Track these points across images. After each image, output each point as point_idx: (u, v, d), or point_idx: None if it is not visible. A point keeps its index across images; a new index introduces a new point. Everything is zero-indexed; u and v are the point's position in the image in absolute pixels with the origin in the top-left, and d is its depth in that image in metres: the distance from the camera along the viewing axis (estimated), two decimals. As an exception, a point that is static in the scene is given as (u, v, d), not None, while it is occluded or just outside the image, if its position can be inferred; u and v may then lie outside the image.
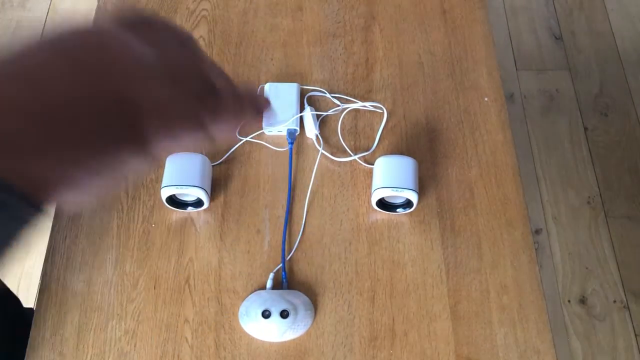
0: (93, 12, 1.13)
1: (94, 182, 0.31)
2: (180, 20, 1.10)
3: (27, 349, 0.81)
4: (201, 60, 0.38)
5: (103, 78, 0.31)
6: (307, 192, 0.92)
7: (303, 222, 0.90)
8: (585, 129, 1.91)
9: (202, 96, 0.35)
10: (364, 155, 0.95)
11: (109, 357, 0.80)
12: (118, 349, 0.81)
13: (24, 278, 1.67)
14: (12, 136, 0.28)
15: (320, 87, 1.02)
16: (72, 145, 0.30)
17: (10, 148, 0.28)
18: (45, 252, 0.88)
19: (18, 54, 0.31)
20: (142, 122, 0.32)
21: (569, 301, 1.63)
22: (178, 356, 0.80)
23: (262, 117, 0.42)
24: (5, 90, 0.29)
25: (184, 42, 0.37)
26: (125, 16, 0.37)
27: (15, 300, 1.03)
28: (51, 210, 0.33)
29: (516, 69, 2.03)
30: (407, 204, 0.89)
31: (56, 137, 0.29)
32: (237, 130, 0.39)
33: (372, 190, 0.88)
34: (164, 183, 0.87)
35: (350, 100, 1.01)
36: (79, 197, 0.32)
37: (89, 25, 0.34)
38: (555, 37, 2.11)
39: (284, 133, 0.96)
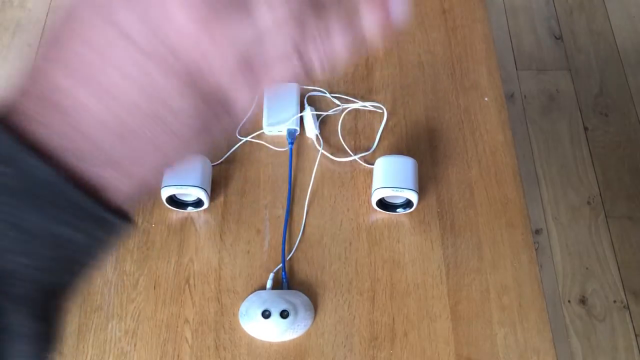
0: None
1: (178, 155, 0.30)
2: (180, 20, 1.10)
3: (27, 349, 0.80)
4: None
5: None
6: (307, 192, 0.92)
7: (303, 222, 0.90)
8: (585, 129, 1.91)
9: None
10: (364, 155, 0.95)
11: (109, 357, 0.80)
12: (118, 349, 0.81)
13: (24, 278, 1.67)
14: (112, 151, 0.27)
15: (320, 87, 1.02)
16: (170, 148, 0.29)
17: (114, 162, 0.28)
18: (45, 252, 0.88)
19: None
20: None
21: (569, 301, 1.62)
22: (178, 356, 0.80)
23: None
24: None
25: None
26: None
27: None
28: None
29: (516, 69, 2.03)
30: (407, 204, 0.89)
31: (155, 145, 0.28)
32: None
33: (372, 190, 0.88)
34: (164, 183, 0.87)
35: (350, 100, 1.01)
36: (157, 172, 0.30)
37: None
38: (555, 37, 2.11)
39: (284, 133, 0.96)
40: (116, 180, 0.28)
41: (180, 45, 0.26)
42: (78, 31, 0.26)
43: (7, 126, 0.26)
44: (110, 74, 0.26)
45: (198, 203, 0.89)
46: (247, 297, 0.84)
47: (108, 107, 0.26)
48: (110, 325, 0.82)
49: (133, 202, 0.30)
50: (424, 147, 0.96)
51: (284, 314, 0.80)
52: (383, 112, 0.99)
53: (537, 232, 1.73)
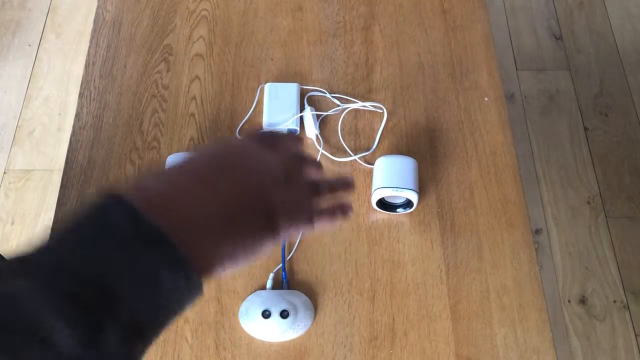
0: (93, 13, 1.13)
1: (243, 257, 0.42)
2: (180, 20, 1.10)
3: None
4: (307, 163, 0.52)
5: (251, 182, 0.43)
6: (307, 192, 0.92)
7: (303, 222, 0.89)
8: (585, 129, 1.91)
9: (311, 196, 0.49)
10: (364, 155, 0.95)
11: (109, 357, 0.80)
12: (118, 349, 0.81)
13: (24, 278, 1.67)
14: (198, 226, 0.39)
15: (320, 87, 1.02)
16: (235, 232, 0.41)
17: (198, 234, 0.39)
18: (45, 252, 0.88)
19: (193, 162, 0.43)
20: (275, 216, 0.44)
21: (569, 301, 1.62)
22: (178, 356, 0.80)
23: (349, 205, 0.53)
24: (189, 191, 0.41)
25: (296, 151, 0.52)
26: (257, 133, 0.51)
27: None
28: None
29: (516, 69, 2.03)
30: (407, 204, 0.89)
31: (226, 226, 0.41)
32: (335, 219, 0.51)
33: (372, 190, 0.88)
34: (164, 183, 0.87)
35: (350, 100, 1.01)
36: (230, 268, 0.42)
37: (236, 140, 0.47)
38: (555, 37, 2.11)
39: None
40: (201, 247, 0.40)
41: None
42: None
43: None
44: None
45: (198, 203, 0.89)
46: (247, 297, 0.84)
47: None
48: (110, 325, 0.82)
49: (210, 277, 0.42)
50: (424, 147, 0.96)
51: (284, 314, 0.80)
52: (383, 112, 0.99)
53: (537, 232, 1.73)
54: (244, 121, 0.99)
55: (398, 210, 0.90)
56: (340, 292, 0.85)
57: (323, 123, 0.99)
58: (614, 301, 1.63)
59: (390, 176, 0.88)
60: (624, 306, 1.62)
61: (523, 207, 0.91)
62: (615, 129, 1.92)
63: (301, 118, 0.97)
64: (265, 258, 0.87)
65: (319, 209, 0.49)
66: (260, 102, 1.00)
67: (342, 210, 0.51)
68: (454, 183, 0.93)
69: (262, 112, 0.98)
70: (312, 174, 0.52)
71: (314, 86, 1.02)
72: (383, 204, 0.89)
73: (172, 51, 1.07)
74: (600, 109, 1.96)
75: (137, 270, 0.35)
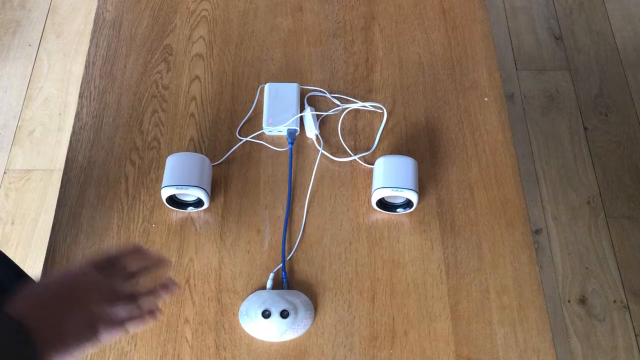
0: (93, 13, 1.13)
1: (75, 350, 0.59)
2: (181, 20, 1.10)
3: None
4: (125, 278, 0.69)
5: (80, 299, 0.61)
6: (307, 192, 0.92)
7: (303, 222, 0.90)
8: (585, 129, 1.91)
9: (126, 307, 0.65)
10: (364, 155, 0.95)
11: (109, 357, 0.80)
12: (118, 349, 0.81)
13: (24, 278, 1.67)
14: (43, 327, 0.58)
15: (320, 87, 1.02)
16: (68, 331, 0.59)
17: (42, 331, 0.57)
18: (45, 251, 0.88)
19: (46, 284, 0.65)
20: (95, 325, 0.61)
21: (569, 301, 1.62)
22: (178, 356, 0.80)
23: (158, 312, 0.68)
24: (43, 304, 0.60)
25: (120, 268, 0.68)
26: (94, 259, 0.66)
27: None
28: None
29: (516, 69, 2.03)
30: (407, 204, 0.89)
31: (61, 329, 0.59)
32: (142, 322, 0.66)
33: (372, 190, 0.88)
34: (164, 183, 0.87)
35: (350, 100, 1.01)
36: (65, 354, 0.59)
37: (76, 269, 0.65)
38: (555, 37, 2.11)
39: (284, 133, 0.96)
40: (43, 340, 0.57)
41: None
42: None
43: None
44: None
45: (198, 203, 0.89)
46: (247, 297, 0.84)
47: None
48: (110, 325, 0.82)
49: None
50: (424, 147, 0.96)
51: (284, 314, 0.80)
52: (383, 112, 0.99)
53: (537, 232, 1.73)
54: (244, 121, 0.99)
55: (398, 210, 0.90)
56: (340, 292, 0.85)
57: (323, 123, 0.99)
58: (614, 301, 1.63)
59: (390, 176, 0.88)
60: (624, 306, 1.62)
61: (523, 207, 0.91)
62: (615, 129, 1.92)
63: (301, 118, 0.97)
64: (265, 258, 0.87)
65: (132, 315, 0.65)
66: (260, 102, 1.00)
67: (151, 313, 0.67)
68: (454, 183, 0.93)
69: (262, 112, 0.98)
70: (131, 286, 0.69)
71: (314, 86, 1.02)
72: (383, 204, 0.89)
73: (172, 51, 1.07)
74: (600, 109, 1.96)
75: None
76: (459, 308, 0.83)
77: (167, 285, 0.69)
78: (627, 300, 1.63)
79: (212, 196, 0.91)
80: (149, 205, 0.91)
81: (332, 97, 1.01)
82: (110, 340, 0.62)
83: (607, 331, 1.59)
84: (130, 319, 0.65)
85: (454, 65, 1.04)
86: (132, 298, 0.66)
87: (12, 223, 1.73)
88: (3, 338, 0.55)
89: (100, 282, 0.64)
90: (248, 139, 0.96)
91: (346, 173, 0.94)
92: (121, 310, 0.64)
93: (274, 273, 0.85)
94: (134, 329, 0.66)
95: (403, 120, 0.99)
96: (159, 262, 0.72)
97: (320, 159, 0.95)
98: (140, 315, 0.66)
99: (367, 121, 0.99)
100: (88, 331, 0.61)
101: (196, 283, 0.85)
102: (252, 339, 0.81)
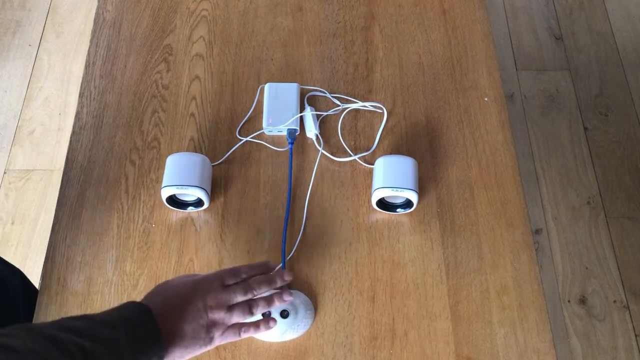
0: (93, 13, 1.13)
1: (190, 348, 0.69)
2: (181, 20, 1.10)
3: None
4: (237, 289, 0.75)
5: (200, 304, 0.71)
6: (307, 192, 0.92)
7: (303, 222, 0.90)
8: (585, 129, 1.91)
9: (241, 314, 0.73)
10: (364, 155, 0.95)
11: (109, 357, 0.80)
12: (118, 349, 0.81)
13: (24, 278, 1.67)
14: (166, 330, 0.67)
15: (320, 87, 1.02)
16: (189, 335, 0.69)
17: (166, 332, 0.67)
18: (45, 252, 0.88)
19: (175, 285, 0.73)
20: (211, 328, 0.71)
21: (569, 301, 1.62)
22: (178, 356, 0.80)
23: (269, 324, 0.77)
24: (167, 302, 0.70)
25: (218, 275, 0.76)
26: (223, 271, 0.76)
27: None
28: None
29: (516, 69, 2.03)
30: (407, 204, 0.89)
31: (182, 328, 0.69)
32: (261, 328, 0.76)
33: (372, 190, 0.88)
34: (164, 183, 0.87)
35: (350, 100, 1.01)
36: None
37: (203, 276, 0.74)
38: (555, 37, 2.11)
39: (284, 133, 0.96)
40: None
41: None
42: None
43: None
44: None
45: (198, 203, 0.89)
46: (247, 297, 0.84)
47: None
48: (110, 325, 0.82)
49: None
50: (424, 147, 0.96)
51: (284, 314, 0.80)
52: (383, 112, 0.99)
53: (537, 232, 1.73)
54: (244, 121, 0.99)
55: (398, 210, 0.90)
56: (340, 292, 0.85)
57: (323, 123, 0.99)
58: (614, 301, 1.63)
59: (390, 176, 0.88)
60: (624, 306, 1.62)
61: (523, 207, 0.91)
62: (615, 129, 1.92)
63: (301, 118, 0.97)
64: (265, 258, 0.87)
65: (247, 322, 0.74)
66: (260, 102, 1.00)
67: (265, 322, 0.76)
68: (454, 183, 0.93)
69: (262, 112, 0.98)
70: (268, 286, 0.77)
71: (314, 86, 1.02)
72: (383, 204, 0.89)
73: (172, 51, 1.07)
74: (600, 109, 1.96)
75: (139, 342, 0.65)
76: (459, 308, 0.83)
77: (282, 295, 0.76)
78: (627, 300, 1.63)
79: (212, 196, 0.91)
80: (149, 205, 0.91)
81: (332, 97, 1.01)
82: (223, 342, 0.72)
83: (607, 331, 1.59)
84: (245, 325, 0.73)
85: (454, 65, 1.05)
86: (248, 306, 0.73)
87: (12, 223, 1.73)
88: (139, 317, 0.65)
89: (219, 291, 0.72)
90: (248, 139, 0.96)
91: (346, 173, 0.94)
92: (235, 317, 0.72)
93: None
94: (248, 335, 0.74)
95: (403, 120, 0.99)
96: (282, 278, 0.78)
97: (320, 159, 0.95)
98: (255, 324, 0.75)
99: (367, 121, 0.99)
100: (204, 333, 0.69)
101: (196, 283, 0.85)
102: (252, 339, 0.81)
